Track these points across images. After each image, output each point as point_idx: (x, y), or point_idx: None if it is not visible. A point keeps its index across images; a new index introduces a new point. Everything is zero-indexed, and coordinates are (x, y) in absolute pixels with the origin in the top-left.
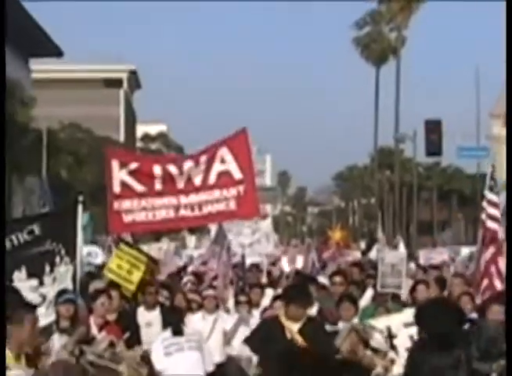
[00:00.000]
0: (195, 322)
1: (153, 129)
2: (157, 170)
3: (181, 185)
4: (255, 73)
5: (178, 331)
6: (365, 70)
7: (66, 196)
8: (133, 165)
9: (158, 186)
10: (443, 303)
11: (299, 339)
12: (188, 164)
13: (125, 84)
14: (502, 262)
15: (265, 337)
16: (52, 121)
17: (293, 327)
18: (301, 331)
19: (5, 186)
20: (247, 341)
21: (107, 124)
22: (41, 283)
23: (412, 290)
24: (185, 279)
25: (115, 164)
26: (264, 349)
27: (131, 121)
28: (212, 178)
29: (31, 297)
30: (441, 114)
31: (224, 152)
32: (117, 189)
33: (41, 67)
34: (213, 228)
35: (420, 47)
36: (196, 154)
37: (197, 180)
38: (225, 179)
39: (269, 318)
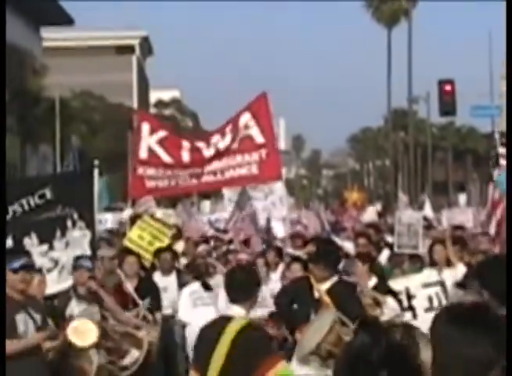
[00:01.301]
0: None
1: (167, 95)
2: (186, 143)
3: (209, 157)
4: (268, 35)
5: (206, 285)
6: (377, 31)
7: (80, 164)
8: (162, 133)
9: (186, 158)
10: (505, 260)
11: (327, 299)
12: (215, 138)
13: (137, 51)
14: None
15: (294, 296)
16: (64, 90)
17: (321, 287)
18: (329, 292)
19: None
20: (277, 300)
21: (120, 91)
22: (51, 248)
23: (430, 250)
24: (200, 248)
25: (145, 127)
26: (291, 308)
27: (144, 87)
28: (235, 144)
29: (41, 261)
30: (455, 75)
31: (247, 117)
32: (143, 154)
33: (53, 35)
34: (226, 193)
35: (432, 8)
36: (222, 126)
37: (222, 148)
38: (247, 144)
39: (298, 277)
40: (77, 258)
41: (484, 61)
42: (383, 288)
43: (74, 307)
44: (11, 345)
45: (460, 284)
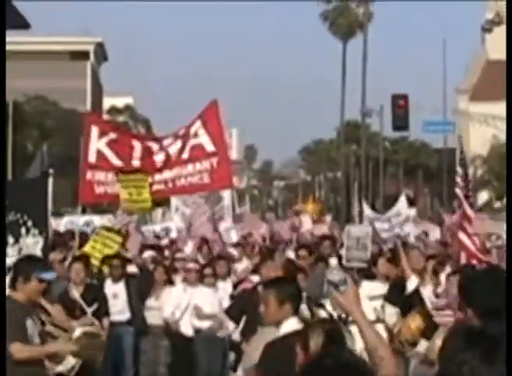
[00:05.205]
0: (175, 294)
1: (120, 102)
2: (137, 145)
3: (159, 163)
4: (222, 47)
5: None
6: (332, 44)
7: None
8: (112, 135)
9: (136, 161)
10: (492, 273)
11: None
12: (167, 141)
13: (92, 57)
14: (470, 230)
15: (243, 307)
16: (18, 94)
17: None
18: None
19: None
20: (228, 312)
21: (74, 97)
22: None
23: (373, 263)
24: (145, 254)
25: (95, 131)
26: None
27: (97, 93)
28: (186, 153)
29: None
30: (409, 89)
31: (197, 125)
32: (92, 158)
33: (8, 39)
34: (173, 202)
35: (388, 22)
36: (176, 130)
37: (173, 157)
38: (198, 152)
39: (248, 289)
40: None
41: (439, 77)
42: None
43: None
44: (32, 351)
45: (386, 298)
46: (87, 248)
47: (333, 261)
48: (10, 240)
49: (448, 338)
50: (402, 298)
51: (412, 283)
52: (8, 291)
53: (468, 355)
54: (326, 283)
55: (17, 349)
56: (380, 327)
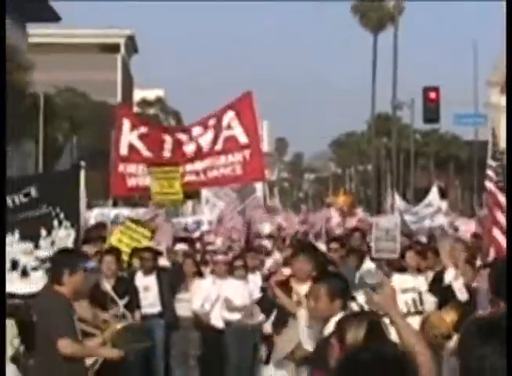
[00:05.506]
0: (204, 286)
1: (151, 94)
2: (167, 138)
3: (190, 154)
4: (254, 36)
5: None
6: (363, 36)
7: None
8: (143, 129)
9: (167, 153)
10: None
11: (304, 302)
12: (197, 130)
13: (122, 50)
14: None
15: (275, 301)
16: (49, 86)
17: (300, 290)
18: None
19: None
20: (259, 303)
21: (104, 90)
22: (37, 247)
23: (402, 256)
24: (177, 246)
25: (126, 124)
26: (272, 312)
27: (128, 86)
28: (219, 145)
29: (25, 260)
30: (439, 82)
31: (230, 116)
32: (124, 151)
33: (39, 32)
34: (204, 194)
35: (418, 14)
36: (204, 119)
37: (206, 148)
38: (230, 144)
39: (279, 282)
40: None
41: (469, 69)
42: None
43: None
44: (78, 350)
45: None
46: (113, 240)
47: (369, 264)
48: (43, 232)
49: (466, 330)
50: (440, 290)
51: (449, 274)
52: (46, 285)
53: (488, 349)
54: (363, 285)
55: (63, 345)
56: (414, 320)
